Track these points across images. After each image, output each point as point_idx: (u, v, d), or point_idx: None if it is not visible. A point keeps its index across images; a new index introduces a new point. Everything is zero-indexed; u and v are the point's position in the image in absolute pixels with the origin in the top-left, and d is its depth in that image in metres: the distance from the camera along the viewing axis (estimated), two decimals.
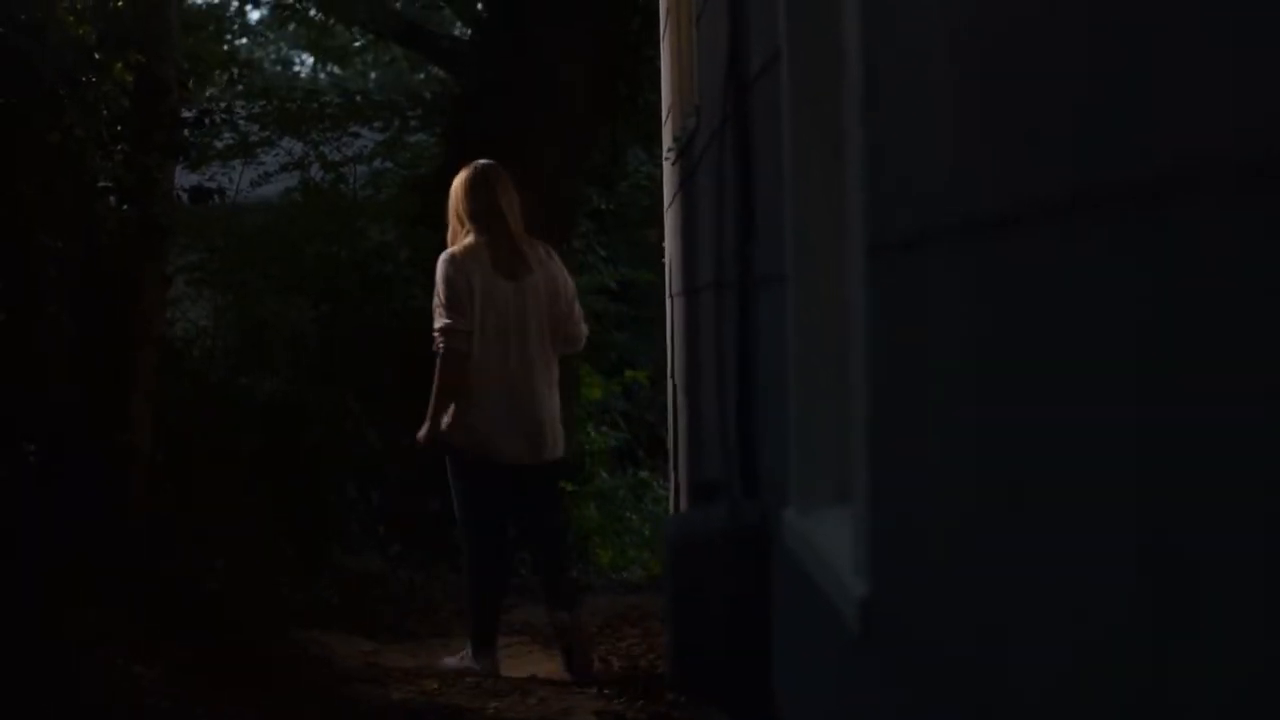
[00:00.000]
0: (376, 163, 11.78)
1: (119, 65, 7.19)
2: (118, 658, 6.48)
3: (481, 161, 6.75)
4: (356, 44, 16.06)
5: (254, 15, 25.25)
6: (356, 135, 11.12)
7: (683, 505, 7.50)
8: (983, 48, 1.60)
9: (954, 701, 1.84)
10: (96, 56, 7.13)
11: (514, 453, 6.42)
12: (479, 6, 11.16)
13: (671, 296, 7.54)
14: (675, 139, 6.43)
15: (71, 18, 7.09)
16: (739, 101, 3.64)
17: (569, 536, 7.34)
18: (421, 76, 20.10)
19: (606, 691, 6.78)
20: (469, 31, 12.77)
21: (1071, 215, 1.33)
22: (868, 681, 2.32)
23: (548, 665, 7.26)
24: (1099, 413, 1.30)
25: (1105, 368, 1.29)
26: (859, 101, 2.27)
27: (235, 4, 17.96)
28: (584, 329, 6.58)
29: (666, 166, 7.54)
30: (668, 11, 7.07)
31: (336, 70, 23.83)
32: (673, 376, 7.87)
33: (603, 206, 12.30)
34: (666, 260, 7.85)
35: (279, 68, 25.82)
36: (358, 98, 12.20)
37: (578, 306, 6.55)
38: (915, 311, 1.99)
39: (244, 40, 23.67)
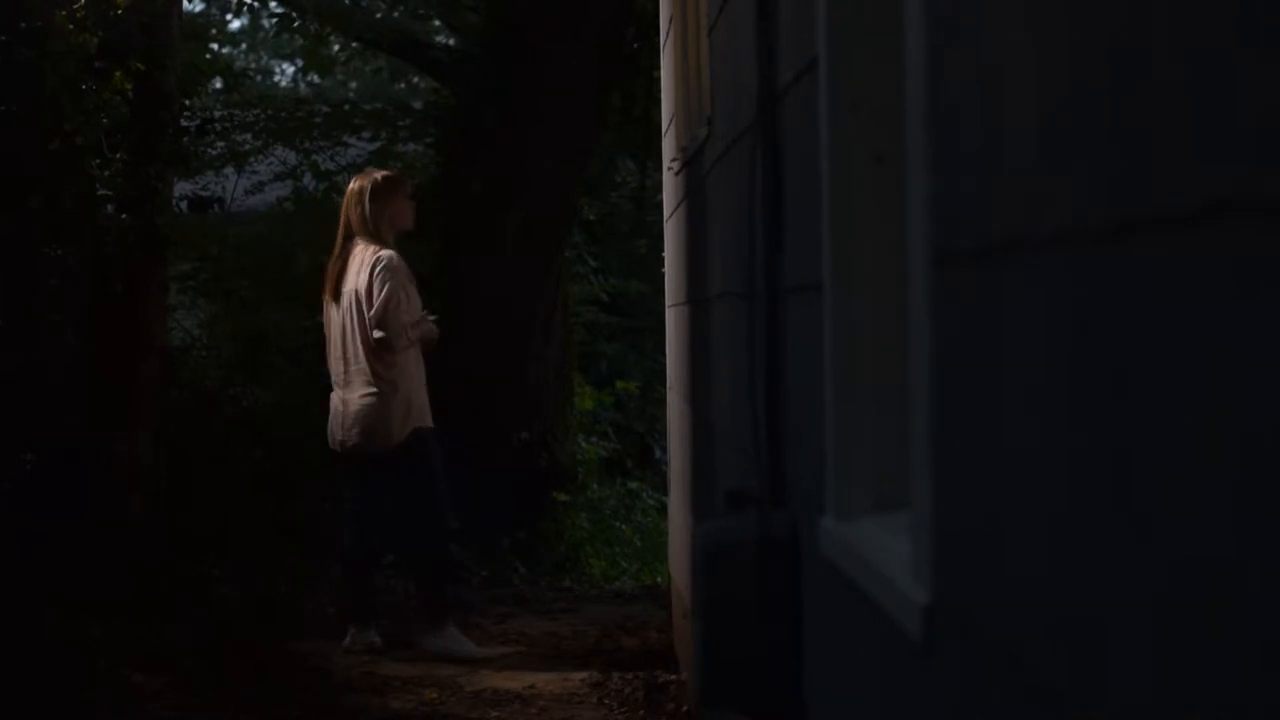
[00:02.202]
0: None
1: (119, 73, 7.18)
2: (117, 663, 6.48)
3: (364, 177, 7.50)
4: (338, 49, 16.03)
5: (234, 25, 25.17)
6: (348, 145, 11.12)
7: (674, 512, 7.49)
8: (1084, 30, 1.60)
9: (1028, 704, 1.85)
10: (97, 65, 7.13)
11: (342, 442, 7.39)
12: (473, 18, 11.15)
13: (672, 306, 7.53)
14: (681, 150, 6.43)
15: (72, 26, 7.08)
16: (769, 110, 3.65)
17: (436, 546, 7.49)
18: (401, 86, 20.04)
19: (608, 701, 6.79)
20: (451, 41, 12.75)
21: (1197, 227, 1.33)
22: (929, 689, 2.32)
23: (547, 674, 7.26)
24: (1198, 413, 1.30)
25: (1210, 372, 1.30)
26: (923, 103, 2.26)
27: (215, 14, 17.90)
28: (380, 335, 7.23)
29: (669, 177, 7.52)
30: (670, 22, 7.06)
31: (316, 80, 23.79)
32: (672, 385, 7.86)
33: (591, 218, 12.29)
34: (667, 270, 7.84)
35: (259, 77, 25.79)
36: (346, 107, 12.19)
37: (375, 313, 7.20)
38: (991, 319, 1.99)
39: (226, 49, 23.63)
